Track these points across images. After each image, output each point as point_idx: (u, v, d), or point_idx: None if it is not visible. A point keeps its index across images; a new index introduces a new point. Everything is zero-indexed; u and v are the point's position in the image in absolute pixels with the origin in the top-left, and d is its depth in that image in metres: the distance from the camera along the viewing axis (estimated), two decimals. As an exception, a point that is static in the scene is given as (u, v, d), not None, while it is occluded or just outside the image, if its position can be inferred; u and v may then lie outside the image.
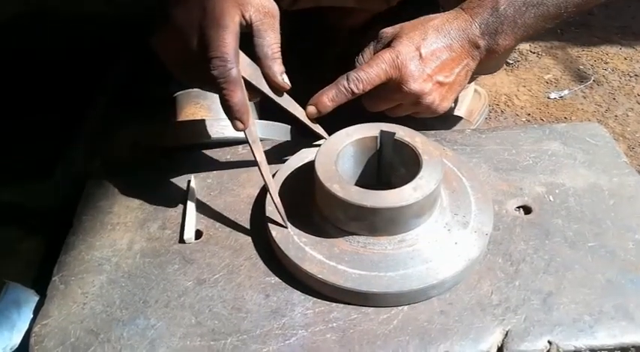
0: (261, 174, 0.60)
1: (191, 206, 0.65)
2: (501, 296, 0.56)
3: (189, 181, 0.69)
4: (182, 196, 0.67)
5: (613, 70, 1.52)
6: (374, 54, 0.66)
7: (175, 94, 0.86)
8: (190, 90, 0.84)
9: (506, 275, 0.58)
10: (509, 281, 0.57)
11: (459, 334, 0.52)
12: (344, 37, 0.99)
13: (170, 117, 0.85)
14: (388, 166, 0.65)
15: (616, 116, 1.37)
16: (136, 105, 1.06)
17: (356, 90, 0.64)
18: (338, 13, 0.93)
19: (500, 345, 0.52)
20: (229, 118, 0.58)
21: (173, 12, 0.59)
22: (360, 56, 0.68)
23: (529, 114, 1.38)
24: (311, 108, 0.66)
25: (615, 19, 1.68)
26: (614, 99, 1.42)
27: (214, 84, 0.56)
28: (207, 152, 0.74)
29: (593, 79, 1.49)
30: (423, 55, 0.64)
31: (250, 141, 0.60)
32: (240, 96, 0.57)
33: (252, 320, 0.54)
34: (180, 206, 0.66)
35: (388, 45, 0.66)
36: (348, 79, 0.64)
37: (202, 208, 0.66)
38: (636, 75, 1.50)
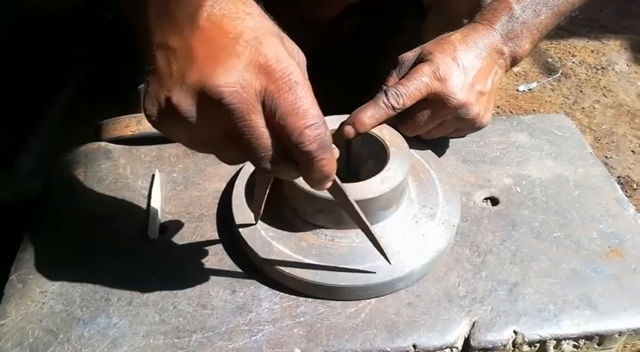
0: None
1: (155, 200, 0.64)
2: (468, 287, 0.56)
3: (153, 175, 0.67)
4: (146, 190, 0.66)
5: (580, 63, 1.54)
6: (399, 78, 0.64)
7: (141, 84, 0.83)
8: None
9: (473, 267, 0.58)
10: (476, 273, 0.57)
11: (426, 326, 0.52)
12: (318, 28, 0.97)
13: (135, 109, 0.82)
14: (357, 159, 0.64)
15: (583, 108, 1.39)
16: (100, 94, 1.04)
17: (396, 105, 0.61)
18: (313, 2, 0.91)
19: (467, 336, 0.52)
20: (320, 183, 0.46)
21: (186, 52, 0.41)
22: (384, 85, 0.65)
23: (498, 107, 1.39)
24: (348, 128, 0.60)
25: (583, 12, 1.70)
26: (581, 91, 1.45)
27: (306, 159, 0.42)
28: (173, 145, 0.72)
29: (561, 71, 1.51)
30: (461, 65, 0.63)
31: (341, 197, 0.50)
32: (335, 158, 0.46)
33: (217, 317, 0.53)
34: (145, 200, 0.64)
35: (416, 65, 0.63)
36: (386, 94, 0.61)
37: (167, 203, 0.64)
38: (603, 68, 1.53)
